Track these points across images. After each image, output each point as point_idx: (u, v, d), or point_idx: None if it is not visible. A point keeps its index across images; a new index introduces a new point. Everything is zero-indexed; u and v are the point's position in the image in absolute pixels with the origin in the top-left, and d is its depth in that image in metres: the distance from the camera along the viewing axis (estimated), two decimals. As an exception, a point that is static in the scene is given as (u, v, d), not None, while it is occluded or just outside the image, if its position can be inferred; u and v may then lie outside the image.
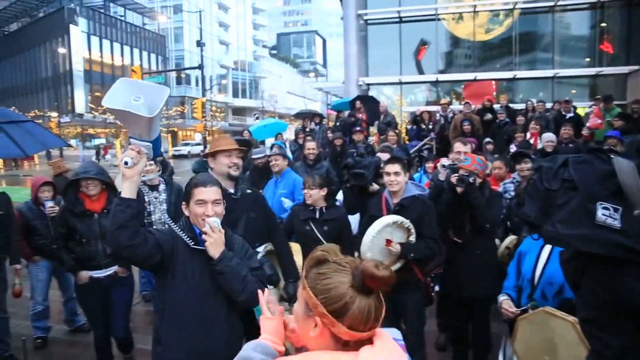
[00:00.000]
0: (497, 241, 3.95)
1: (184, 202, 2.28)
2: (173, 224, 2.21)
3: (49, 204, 4.47)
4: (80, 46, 44.53)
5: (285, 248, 3.29)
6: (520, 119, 8.85)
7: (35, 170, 28.70)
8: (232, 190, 3.06)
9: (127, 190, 1.98)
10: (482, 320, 3.67)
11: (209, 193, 2.19)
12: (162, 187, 5.17)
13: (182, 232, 2.19)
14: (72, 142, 42.79)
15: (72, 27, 43.56)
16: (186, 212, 2.26)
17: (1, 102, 48.82)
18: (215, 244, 2.11)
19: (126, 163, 1.93)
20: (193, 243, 2.17)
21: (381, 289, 1.13)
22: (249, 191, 3.23)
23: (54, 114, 39.42)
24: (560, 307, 2.33)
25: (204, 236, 2.14)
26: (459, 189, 3.41)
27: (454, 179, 3.44)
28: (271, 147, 8.52)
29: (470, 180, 3.39)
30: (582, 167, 1.49)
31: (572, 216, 1.46)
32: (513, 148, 7.21)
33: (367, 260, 1.16)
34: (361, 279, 1.11)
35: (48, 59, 46.43)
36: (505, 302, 2.79)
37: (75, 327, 4.90)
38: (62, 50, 42.43)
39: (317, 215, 3.72)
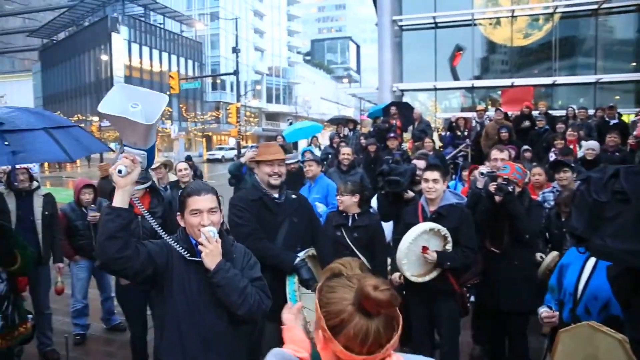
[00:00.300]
0: (538, 256, 3.83)
1: (178, 213, 2.15)
2: (167, 235, 2.08)
3: (92, 212, 4.63)
4: (122, 53, 46.19)
5: (327, 253, 3.23)
6: (561, 127, 8.56)
7: (77, 172, 29.88)
8: (276, 195, 3.08)
9: (118, 199, 1.89)
10: (520, 333, 3.55)
11: (204, 202, 2.07)
12: None
13: (176, 243, 2.07)
14: (111, 145, 44.36)
15: (114, 35, 45.27)
16: (181, 223, 2.14)
17: (48, 107, 51.21)
18: (211, 255, 2.01)
19: (120, 171, 1.84)
20: (189, 255, 2.06)
21: (377, 312, 1.05)
22: (294, 196, 3.21)
23: (95, 118, 40.95)
24: (606, 324, 2.20)
25: (200, 247, 2.03)
26: (497, 198, 3.33)
27: (492, 187, 3.36)
28: (302, 153, 8.55)
29: (509, 189, 3.30)
30: (635, 179, 1.41)
31: (624, 230, 1.38)
32: (552, 156, 6.97)
33: (369, 278, 1.09)
34: (359, 298, 1.06)
35: (91, 65, 48.39)
36: (545, 312, 2.68)
37: (111, 325, 5.02)
38: (104, 57, 44.12)
39: (349, 222, 3.71)
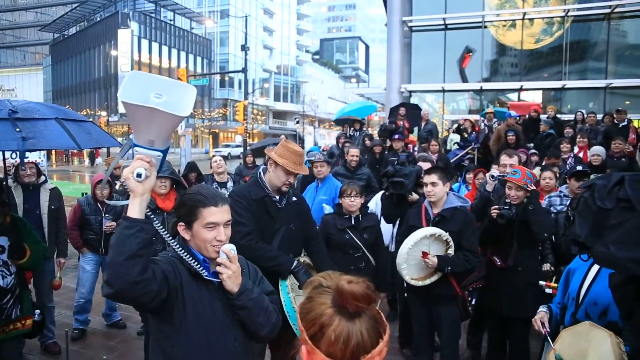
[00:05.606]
0: (546, 266, 3.82)
1: (181, 223, 1.81)
2: (181, 249, 1.75)
3: (107, 222, 4.63)
4: (131, 49, 46.42)
5: (324, 258, 3.17)
6: (568, 131, 8.48)
7: (84, 167, 30.10)
8: (277, 198, 2.95)
9: (137, 209, 1.58)
10: (522, 339, 3.51)
11: (221, 214, 1.77)
12: (230, 184, 5.24)
13: (192, 260, 1.73)
14: (119, 140, 44.57)
15: (124, 30, 45.51)
16: (186, 235, 1.80)
17: (57, 101, 51.62)
18: (235, 276, 1.72)
19: (139, 175, 1.54)
20: (206, 274, 1.75)
21: (356, 308, 0.99)
22: (294, 199, 3.08)
23: (104, 113, 41.22)
24: (605, 329, 2.20)
25: (219, 268, 1.73)
26: (500, 222, 3.32)
27: (494, 212, 3.35)
28: (307, 153, 8.52)
29: (512, 213, 3.29)
30: (640, 186, 1.39)
31: (629, 238, 1.36)
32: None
33: (343, 276, 1.04)
34: (336, 296, 1.01)
35: (101, 60, 48.72)
36: (539, 314, 2.64)
37: (112, 322, 4.97)
38: (113, 52, 44.36)
39: (354, 223, 3.68)
